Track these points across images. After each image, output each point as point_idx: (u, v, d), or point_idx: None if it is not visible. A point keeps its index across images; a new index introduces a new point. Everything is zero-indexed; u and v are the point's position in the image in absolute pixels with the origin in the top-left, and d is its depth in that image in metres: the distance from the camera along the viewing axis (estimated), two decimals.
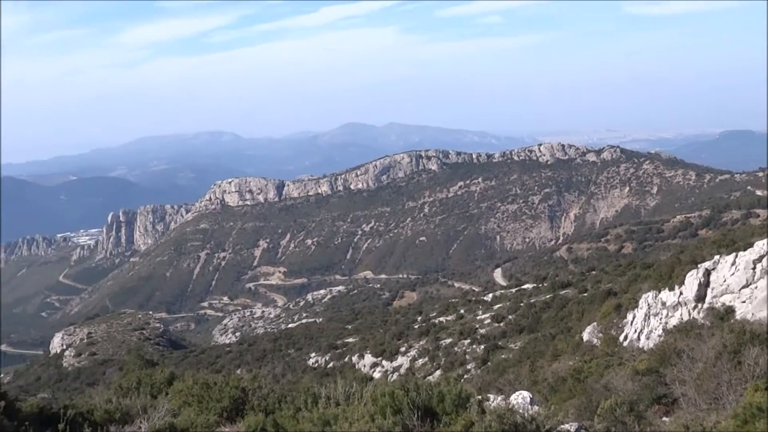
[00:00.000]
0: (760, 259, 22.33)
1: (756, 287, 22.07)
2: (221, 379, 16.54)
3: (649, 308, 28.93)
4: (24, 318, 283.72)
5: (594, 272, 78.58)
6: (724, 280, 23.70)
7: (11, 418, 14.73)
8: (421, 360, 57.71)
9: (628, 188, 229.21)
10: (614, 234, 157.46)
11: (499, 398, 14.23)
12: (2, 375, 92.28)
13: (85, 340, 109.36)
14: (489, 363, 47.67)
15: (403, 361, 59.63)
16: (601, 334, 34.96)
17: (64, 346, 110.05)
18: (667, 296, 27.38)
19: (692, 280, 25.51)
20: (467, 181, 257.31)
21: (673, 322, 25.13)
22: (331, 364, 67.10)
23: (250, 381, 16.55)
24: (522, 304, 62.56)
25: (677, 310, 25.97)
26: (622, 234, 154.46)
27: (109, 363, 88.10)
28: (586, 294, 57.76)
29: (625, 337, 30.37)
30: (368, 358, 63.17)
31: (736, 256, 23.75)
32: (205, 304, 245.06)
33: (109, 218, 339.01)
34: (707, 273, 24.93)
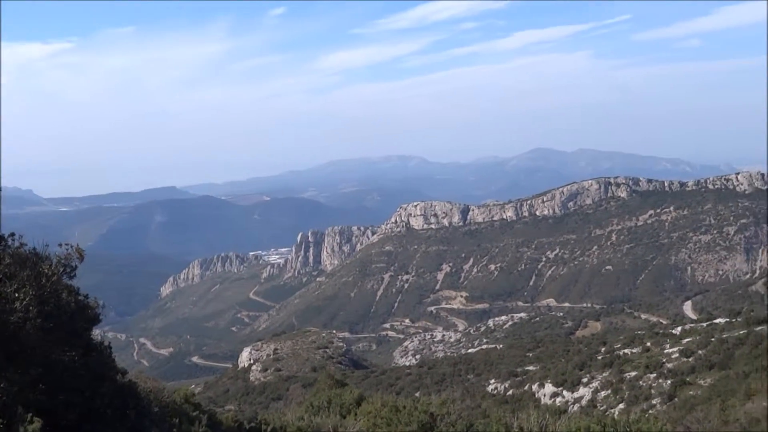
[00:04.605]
0: None
1: None
2: (410, 402, 16.47)
3: None
4: (215, 332, 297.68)
5: None
6: None
7: (214, 428, 15.37)
8: (603, 392, 55.93)
9: None
10: None
11: None
12: (193, 386, 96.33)
13: (272, 356, 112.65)
14: (676, 399, 45.60)
15: (584, 392, 57.96)
16: None
17: (252, 361, 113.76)
18: None
19: None
20: (658, 210, 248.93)
21: None
22: (510, 392, 66.12)
23: (438, 406, 16.37)
24: (713, 339, 59.46)
25: None
26: None
27: (293, 379, 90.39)
28: None
29: None
30: (548, 388, 61.80)
31: None
32: (387, 325, 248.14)
33: (299, 238, 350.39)
34: None
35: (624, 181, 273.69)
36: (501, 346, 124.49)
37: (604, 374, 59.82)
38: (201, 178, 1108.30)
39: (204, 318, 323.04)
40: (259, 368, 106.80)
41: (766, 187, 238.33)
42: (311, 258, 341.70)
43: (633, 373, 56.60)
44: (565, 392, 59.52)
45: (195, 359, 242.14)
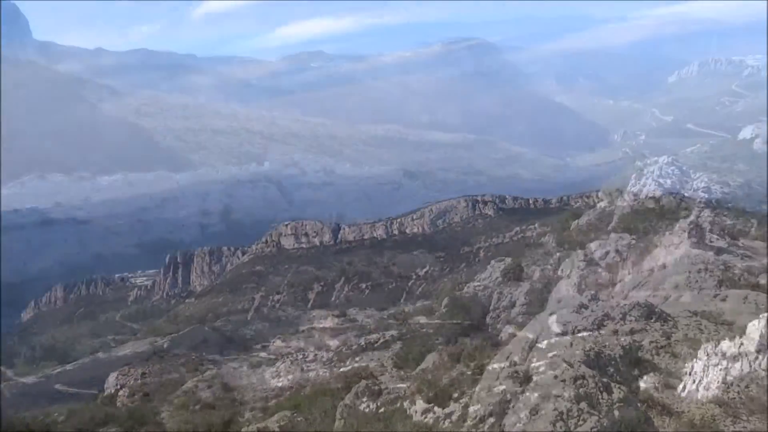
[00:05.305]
0: None
1: None
2: (278, 427, 16.41)
3: (708, 358, 28.11)
4: (81, 356, 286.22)
5: (653, 320, 76.89)
6: None
7: None
8: (473, 407, 56.81)
9: (687, 234, 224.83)
10: (674, 282, 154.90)
11: None
12: (56, 414, 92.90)
13: (140, 381, 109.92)
14: (543, 411, 46.76)
15: (455, 407, 58.65)
16: (658, 384, 34.08)
17: (119, 386, 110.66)
18: (728, 346, 26.56)
19: (754, 329, 24.77)
20: (523, 227, 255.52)
21: (734, 373, 24.37)
22: (382, 410, 66.38)
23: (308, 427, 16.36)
24: (578, 352, 61.53)
25: (738, 361, 25.18)
26: (681, 282, 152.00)
27: (162, 404, 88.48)
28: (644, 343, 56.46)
29: (683, 388, 29.55)
30: (420, 404, 62.31)
31: None
32: (259, 346, 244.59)
33: (167, 259, 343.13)
34: None
35: (491, 199, 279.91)
36: (373, 363, 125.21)
37: (474, 389, 60.74)
38: (63, 195, 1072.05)
39: (68, 342, 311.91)
40: (126, 393, 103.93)
41: (624, 203, 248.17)
42: (180, 279, 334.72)
43: (502, 387, 57.74)
44: (436, 408, 60.14)
45: (58, 386, 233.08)
